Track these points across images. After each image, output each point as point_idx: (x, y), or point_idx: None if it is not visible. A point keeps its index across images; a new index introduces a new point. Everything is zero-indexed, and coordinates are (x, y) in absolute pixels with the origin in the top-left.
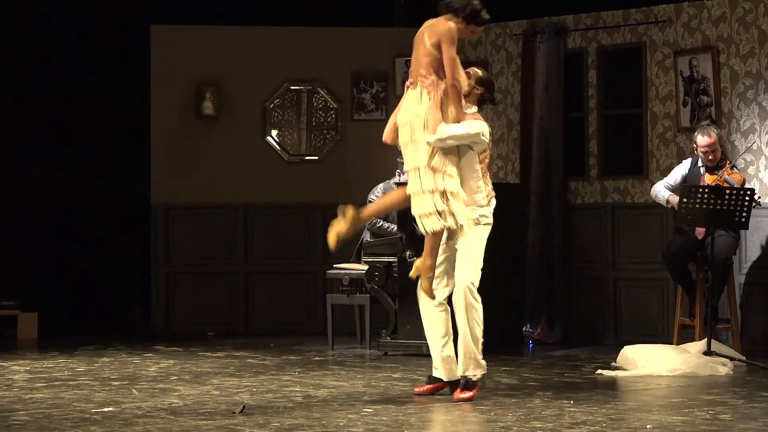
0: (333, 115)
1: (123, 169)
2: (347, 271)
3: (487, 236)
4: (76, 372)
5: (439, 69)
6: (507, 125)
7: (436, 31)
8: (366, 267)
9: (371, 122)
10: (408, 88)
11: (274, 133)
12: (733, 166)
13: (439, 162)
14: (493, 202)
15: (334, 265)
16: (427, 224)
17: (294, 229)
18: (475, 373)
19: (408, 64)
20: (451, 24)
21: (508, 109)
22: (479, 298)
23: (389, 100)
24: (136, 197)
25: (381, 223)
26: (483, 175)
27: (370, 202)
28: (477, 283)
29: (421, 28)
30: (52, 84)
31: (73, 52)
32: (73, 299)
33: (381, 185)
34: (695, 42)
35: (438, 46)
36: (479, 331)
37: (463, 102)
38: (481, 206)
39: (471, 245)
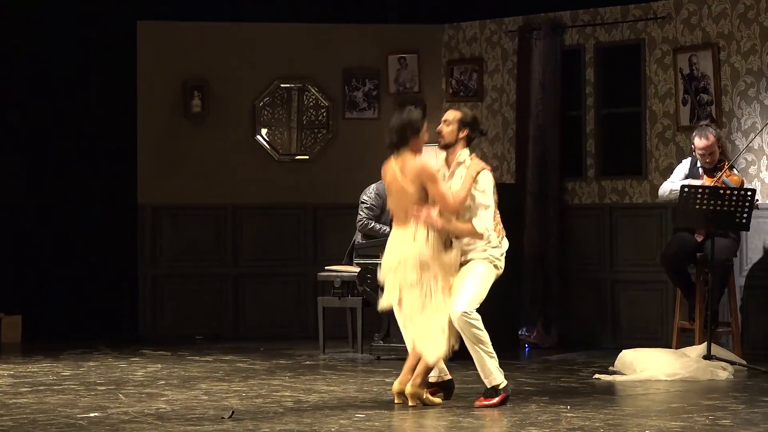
0: (324, 114)
1: (109, 168)
2: (339, 274)
3: (493, 279)
4: (61, 376)
5: (427, 199)
6: (502, 124)
7: (412, 175)
8: (358, 269)
9: (363, 121)
10: (393, 226)
11: (263, 131)
12: (731, 167)
13: (437, 298)
14: (506, 243)
15: (326, 267)
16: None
17: (284, 230)
18: (498, 383)
19: (401, 62)
20: (420, 161)
21: (504, 107)
22: (477, 317)
23: (381, 98)
24: (122, 197)
25: (372, 224)
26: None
27: (362, 203)
28: (473, 311)
29: (388, 171)
30: (36, 81)
31: (57, 49)
32: (58, 302)
33: (373, 186)
34: (695, 39)
35: (423, 188)
36: (487, 351)
37: (459, 152)
38: (494, 247)
39: (475, 277)
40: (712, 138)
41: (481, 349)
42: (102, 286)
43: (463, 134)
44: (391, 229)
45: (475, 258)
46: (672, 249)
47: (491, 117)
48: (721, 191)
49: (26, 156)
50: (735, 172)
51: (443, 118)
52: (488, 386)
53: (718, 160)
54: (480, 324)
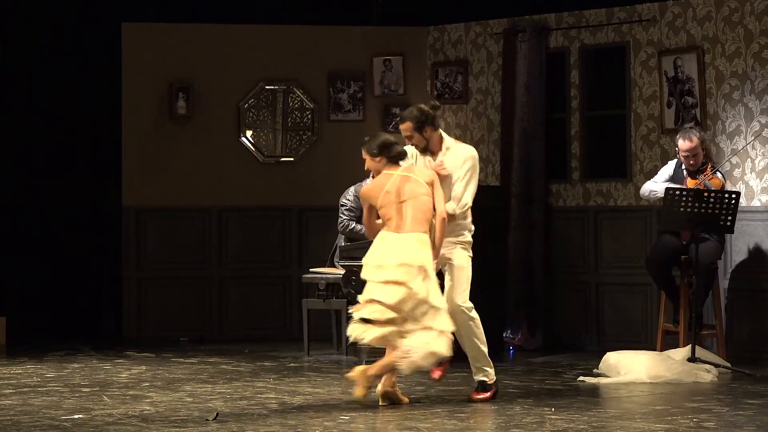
0: (309, 116)
1: (93, 170)
2: (323, 276)
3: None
4: (45, 378)
5: None
6: (487, 126)
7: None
8: (342, 271)
9: (348, 123)
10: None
11: (248, 133)
12: (715, 171)
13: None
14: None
15: (310, 269)
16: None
17: (269, 232)
18: (488, 378)
19: (386, 64)
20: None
21: (489, 109)
22: (474, 312)
23: (366, 100)
24: (106, 199)
25: (353, 225)
26: None
27: (342, 205)
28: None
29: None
30: (19, 83)
31: (41, 50)
32: (43, 304)
33: (352, 188)
34: (680, 41)
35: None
36: (480, 340)
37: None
38: (470, 230)
39: (466, 268)
40: (695, 140)
41: (474, 338)
42: (86, 288)
43: (428, 132)
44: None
45: (457, 245)
46: (657, 252)
47: (476, 119)
48: (705, 194)
49: (8, 158)
50: (718, 175)
51: (404, 136)
52: (486, 380)
53: (702, 162)
54: (474, 315)
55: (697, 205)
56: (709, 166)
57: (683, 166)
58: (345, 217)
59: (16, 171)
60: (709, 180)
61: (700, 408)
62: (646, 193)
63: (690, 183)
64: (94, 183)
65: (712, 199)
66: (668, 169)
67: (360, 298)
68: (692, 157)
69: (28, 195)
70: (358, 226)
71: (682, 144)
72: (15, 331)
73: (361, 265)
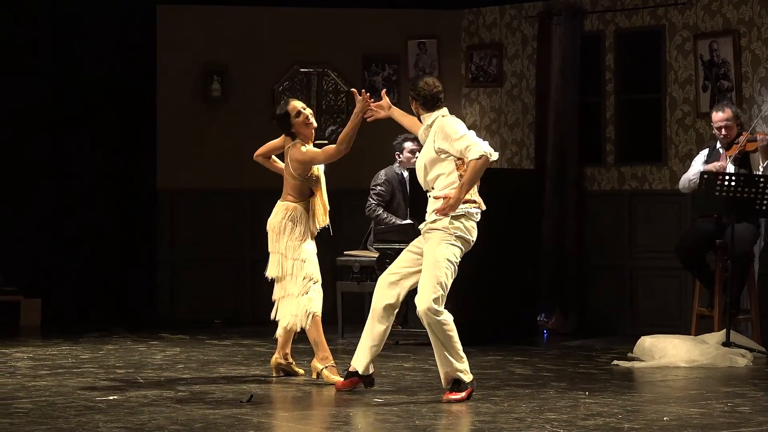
0: (343, 99)
1: (128, 153)
2: (358, 258)
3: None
4: (80, 359)
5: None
6: (522, 110)
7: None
8: (377, 254)
9: None
10: None
11: None
12: (753, 137)
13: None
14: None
15: (345, 252)
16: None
17: None
18: (464, 377)
19: (420, 47)
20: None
21: (523, 93)
22: (443, 313)
23: (401, 83)
24: (141, 182)
25: (380, 211)
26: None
27: (372, 189)
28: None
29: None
30: (54, 65)
31: (76, 33)
32: (77, 286)
33: (383, 171)
34: (716, 25)
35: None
36: (454, 345)
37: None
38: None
39: (434, 262)
40: (729, 112)
41: (444, 342)
42: (121, 270)
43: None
44: (400, 218)
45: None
46: (686, 241)
47: (510, 102)
48: (749, 177)
49: (44, 141)
50: (756, 139)
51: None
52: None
53: (737, 134)
54: (445, 317)
55: (732, 188)
56: (744, 133)
57: (718, 145)
58: (373, 202)
59: (51, 154)
60: (746, 146)
61: (735, 392)
62: (686, 184)
63: (726, 154)
64: (128, 166)
65: (748, 183)
66: (701, 156)
67: None
68: (726, 128)
69: (64, 177)
70: (385, 214)
71: (716, 115)
72: (50, 313)
73: (396, 248)
